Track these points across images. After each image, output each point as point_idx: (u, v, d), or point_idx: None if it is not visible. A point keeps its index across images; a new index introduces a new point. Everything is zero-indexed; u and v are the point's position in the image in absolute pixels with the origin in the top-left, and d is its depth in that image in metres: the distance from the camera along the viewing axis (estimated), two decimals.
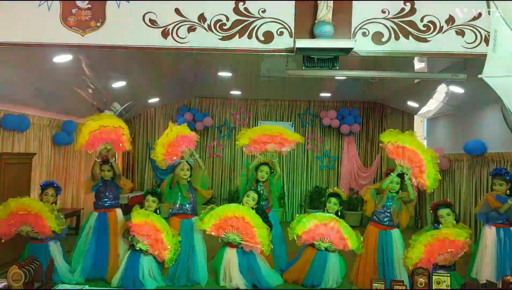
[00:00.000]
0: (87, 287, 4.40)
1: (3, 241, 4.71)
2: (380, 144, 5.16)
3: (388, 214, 4.99)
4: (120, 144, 5.32)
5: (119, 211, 5.42)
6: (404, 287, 4.14)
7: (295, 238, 5.08)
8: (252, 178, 5.69)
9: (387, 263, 4.87)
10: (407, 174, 4.91)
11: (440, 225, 4.73)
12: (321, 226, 5.04)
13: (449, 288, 4.10)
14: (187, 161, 5.34)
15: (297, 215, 5.37)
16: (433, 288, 4.11)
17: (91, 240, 5.19)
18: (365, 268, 4.96)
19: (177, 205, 5.30)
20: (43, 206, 4.80)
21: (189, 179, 5.36)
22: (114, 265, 5.10)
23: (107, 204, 5.34)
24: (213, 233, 4.96)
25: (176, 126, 5.41)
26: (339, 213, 5.22)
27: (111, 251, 5.14)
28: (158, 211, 5.16)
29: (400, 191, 5.09)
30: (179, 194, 5.31)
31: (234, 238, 4.91)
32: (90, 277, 5.04)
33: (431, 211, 4.95)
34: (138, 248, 4.86)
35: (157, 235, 4.88)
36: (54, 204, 5.07)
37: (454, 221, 4.71)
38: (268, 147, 5.55)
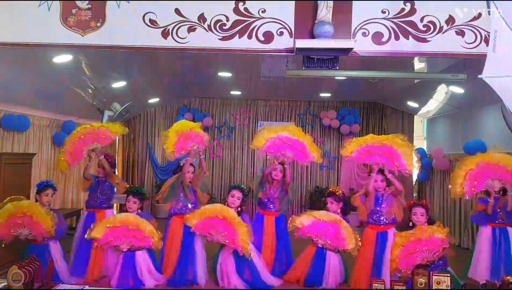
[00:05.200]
0: (87, 287, 4.39)
1: (3, 245, 4.69)
2: (346, 159, 5.20)
3: (382, 213, 4.98)
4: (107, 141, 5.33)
5: (108, 212, 5.36)
6: (404, 287, 4.14)
7: (294, 230, 5.08)
8: (266, 183, 5.55)
9: (379, 263, 4.86)
10: (384, 169, 4.90)
11: (413, 225, 4.72)
12: (320, 223, 5.05)
13: (449, 288, 4.09)
14: (193, 165, 5.31)
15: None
16: (433, 288, 4.10)
17: (79, 240, 5.20)
18: (361, 271, 4.94)
19: (180, 205, 5.29)
20: (38, 209, 4.77)
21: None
22: (94, 265, 5.05)
23: (96, 204, 5.33)
24: (197, 232, 4.94)
25: (190, 122, 5.33)
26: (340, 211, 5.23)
27: (93, 250, 5.03)
28: (139, 211, 5.12)
29: (386, 187, 5.05)
30: (182, 194, 5.29)
31: (218, 238, 4.90)
32: (76, 275, 5.02)
33: (408, 210, 4.93)
34: (126, 250, 4.84)
35: (131, 231, 4.79)
36: (50, 204, 5.05)
37: (426, 223, 4.68)
38: (288, 154, 5.30)
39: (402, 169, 4.89)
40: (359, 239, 4.99)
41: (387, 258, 4.80)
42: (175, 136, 5.05)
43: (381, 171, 4.95)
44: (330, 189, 5.48)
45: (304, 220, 5.05)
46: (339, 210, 5.26)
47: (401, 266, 4.47)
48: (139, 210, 5.10)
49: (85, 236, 4.86)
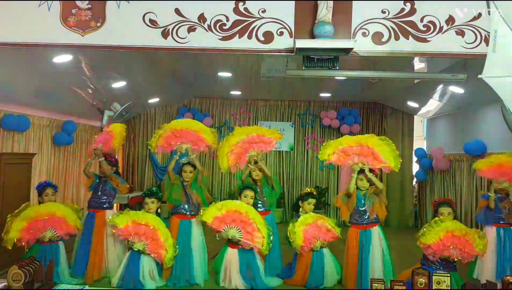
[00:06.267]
0: (87, 287, 4.40)
1: (26, 249, 4.81)
2: (325, 163, 5.28)
3: (364, 213, 4.99)
4: (111, 147, 5.39)
5: (109, 213, 5.38)
6: (404, 287, 4.14)
7: (300, 249, 5.10)
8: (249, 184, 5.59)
9: (365, 261, 4.86)
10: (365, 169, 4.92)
11: None
12: (309, 228, 5.08)
13: (449, 288, 4.10)
14: (189, 163, 5.31)
15: (290, 225, 5.26)
16: (433, 288, 4.10)
17: (80, 240, 5.22)
18: (348, 270, 4.98)
19: (178, 205, 5.29)
20: (63, 207, 4.87)
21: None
22: (94, 266, 5.08)
23: (96, 204, 5.34)
24: (213, 226, 4.94)
25: (199, 123, 5.45)
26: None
27: (92, 251, 5.09)
28: (159, 210, 5.16)
29: (369, 187, 5.07)
30: (178, 194, 5.29)
31: (234, 234, 4.90)
32: (74, 276, 5.05)
33: (432, 208, 4.95)
34: (136, 249, 4.85)
35: (153, 234, 4.85)
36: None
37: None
38: (249, 153, 5.37)
39: (383, 167, 4.90)
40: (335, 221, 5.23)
41: (373, 257, 4.83)
42: (163, 132, 5.22)
43: (362, 171, 4.95)
44: (307, 190, 5.55)
45: (300, 233, 5.07)
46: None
47: (435, 248, 4.46)
48: (159, 210, 5.13)
49: (108, 220, 4.94)
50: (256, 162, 5.45)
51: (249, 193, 5.26)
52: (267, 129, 5.55)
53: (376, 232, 4.96)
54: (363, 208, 4.99)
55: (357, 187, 5.03)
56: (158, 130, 5.34)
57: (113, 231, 4.92)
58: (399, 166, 4.93)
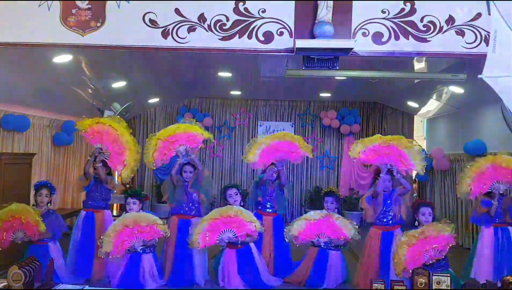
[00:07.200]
0: (87, 287, 4.39)
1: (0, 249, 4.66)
2: (353, 161, 5.22)
3: (390, 214, 4.96)
4: (116, 165, 5.24)
5: (107, 213, 5.37)
6: (404, 287, 4.14)
7: (293, 240, 5.09)
8: (267, 188, 5.60)
9: (385, 263, 4.84)
10: (393, 169, 4.88)
11: (419, 225, 4.68)
12: (314, 223, 5.07)
13: (449, 288, 4.09)
14: (189, 163, 5.30)
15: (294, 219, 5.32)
16: (433, 288, 4.10)
17: (78, 240, 5.20)
18: (367, 271, 4.92)
19: (178, 205, 5.30)
20: (26, 209, 4.73)
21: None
22: (99, 266, 5.07)
23: (95, 205, 5.31)
24: (206, 246, 4.87)
25: (180, 124, 5.36)
26: (337, 211, 5.26)
27: (97, 251, 5.04)
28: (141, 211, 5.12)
29: (393, 188, 5.04)
30: (180, 194, 5.29)
31: (229, 235, 4.88)
32: (77, 276, 5.02)
33: (412, 210, 4.90)
34: (140, 250, 4.82)
35: (138, 228, 4.76)
36: (49, 204, 5.05)
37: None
38: (278, 157, 5.38)
39: (409, 169, 4.89)
40: (355, 223, 5.09)
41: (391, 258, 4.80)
42: (155, 144, 5.16)
43: (389, 172, 4.93)
44: (329, 189, 5.50)
45: (298, 226, 5.07)
46: (336, 211, 5.27)
47: (409, 267, 4.41)
48: (140, 211, 5.10)
49: (99, 254, 4.75)
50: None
51: (231, 191, 5.27)
52: (305, 144, 5.51)
53: (398, 234, 4.91)
54: (389, 208, 4.96)
55: None
56: (149, 143, 5.26)
57: (110, 258, 4.76)
58: (424, 169, 4.91)
